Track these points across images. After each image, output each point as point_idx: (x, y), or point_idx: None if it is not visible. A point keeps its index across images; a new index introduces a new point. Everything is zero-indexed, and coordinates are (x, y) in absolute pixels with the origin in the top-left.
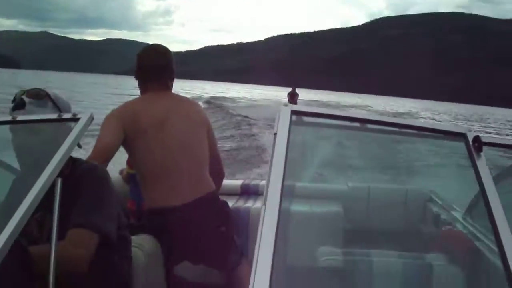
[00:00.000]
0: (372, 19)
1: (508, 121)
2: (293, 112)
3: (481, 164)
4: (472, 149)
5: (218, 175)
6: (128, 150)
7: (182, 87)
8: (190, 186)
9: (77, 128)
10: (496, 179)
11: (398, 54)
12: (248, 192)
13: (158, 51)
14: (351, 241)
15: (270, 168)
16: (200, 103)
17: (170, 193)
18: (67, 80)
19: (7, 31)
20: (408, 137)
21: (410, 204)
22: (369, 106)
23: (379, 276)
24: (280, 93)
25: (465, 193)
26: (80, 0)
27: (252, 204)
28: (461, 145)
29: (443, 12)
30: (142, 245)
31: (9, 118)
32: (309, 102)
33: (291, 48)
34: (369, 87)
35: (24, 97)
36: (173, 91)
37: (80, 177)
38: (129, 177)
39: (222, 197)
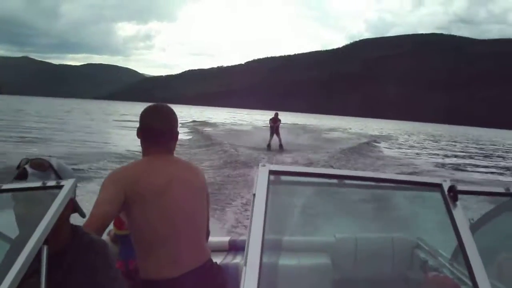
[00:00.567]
0: (352, 41)
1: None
2: (271, 172)
3: (457, 212)
4: (448, 198)
5: (207, 234)
6: (126, 215)
7: None
8: (190, 256)
9: (61, 195)
10: (475, 226)
11: (378, 75)
12: (236, 248)
13: (162, 113)
14: None
15: (249, 229)
16: (184, 128)
17: (167, 264)
18: (49, 107)
19: None
20: (387, 190)
21: (398, 252)
22: (349, 128)
23: None
24: (261, 117)
25: (450, 238)
26: (60, 25)
27: (240, 260)
28: (437, 195)
29: (422, 34)
30: None
31: None
32: (289, 126)
33: (271, 71)
34: (349, 109)
35: (27, 167)
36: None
37: (83, 251)
38: (117, 239)
39: (219, 265)
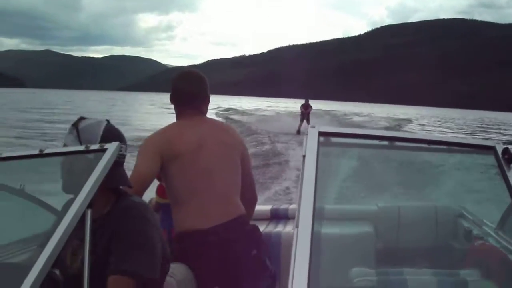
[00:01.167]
0: (374, 28)
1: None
2: (321, 134)
3: None
4: (503, 161)
5: (251, 200)
6: (163, 175)
7: None
8: (220, 209)
9: (104, 159)
10: None
11: (400, 62)
12: (278, 216)
13: (193, 77)
14: (384, 261)
15: (300, 191)
16: (212, 115)
17: (199, 216)
18: (78, 98)
19: (10, 51)
20: (437, 153)
21: (441, 221)
22: (372, 113)
23: None
24: (285, 104)
25: (496, 207)
26: (81, 18)
27: (282, 229)
28: (490, 158)
29: (443, 19)
30: (174, 273)
31: (36, 151)
32: (313, 112)
33: (294, 59)
34: (372, 96)
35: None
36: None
37: (122, 216)
38: (159, 207)
39: (252, 223)
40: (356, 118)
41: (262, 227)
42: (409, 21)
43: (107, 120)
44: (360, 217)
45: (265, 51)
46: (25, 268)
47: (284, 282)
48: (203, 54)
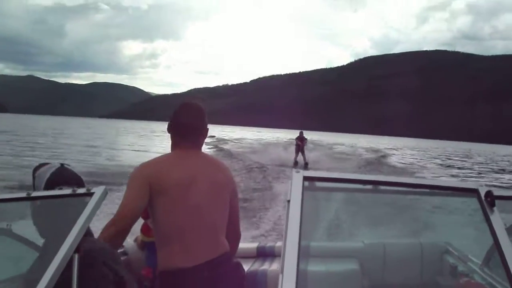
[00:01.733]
0: (357, 59)
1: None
2: (305, 178)
3: (495, 217)
4: (485, 204)
5: (234, 237)
6: (150, 208)
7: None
8: (206, 247)
9: (91, 203)
10: (510, 230)
11: (383, 92)
12: (265, 254)
13: (194, 110)
14: None
15: (285, 237)
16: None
17: (184, 255)
18: (61, 125)
19: None
20: (420, 196)
21: (427, 258)
22: (354, 145)
23: None
24: (269, 134)
25: (480, 244)
26: (65, 44)
27: (268, 267)
28: (473, 200)
29: (427, 50)
30: None
31: (23, 194)
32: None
33: (277, 89)
34: (355, 126)
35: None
36: (160, 132)
37: (88, 262)
38: (144, 245)
39: (238, 260)
40: (339, 148)
41: (248, 265)
42: (392, 52)
43: (61, 164)
44: (346, 254)
45: (248, 81)
46: None
47: None
48: (186, 82)
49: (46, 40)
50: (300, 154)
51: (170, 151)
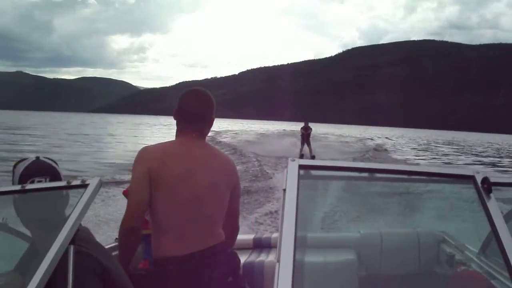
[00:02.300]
0: (345, 49)
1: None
2: (301, 167)
3: (492, 204)
4: (482, 190)
5: (232, 230)
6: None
7: (161, 123)
8: (200, 237)
9: (86, 194)
10: (507, 217)
11: (371, 83)
12: (261, 245)
13: (201, 96)
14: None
15: (281, 225)
16: None
17: (178, 243)
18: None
19: None
20: (417, 183)
21: (423, 247)
22: (342, 136)
23: None
24: (258, 126)
25: (477, 232)
26: (54, 39)
27: (265, 258)
28: (469, 187)
29: (414, 40)
30: None
31: (18, 187)
32: (289, 133)
33: (265, 81)
34: (343, 117)
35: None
36: (150, 126)
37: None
38: (141, 237)
39: (233, 250)
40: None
41: (245, 256)
42: (380, 42)
43: (37, 157)
44: (343, 245)
45: (236, 73)
46: None
47: None
48: (174, 75)
49: (34, 35)
50: (306, 146)
51: (175, 138)
